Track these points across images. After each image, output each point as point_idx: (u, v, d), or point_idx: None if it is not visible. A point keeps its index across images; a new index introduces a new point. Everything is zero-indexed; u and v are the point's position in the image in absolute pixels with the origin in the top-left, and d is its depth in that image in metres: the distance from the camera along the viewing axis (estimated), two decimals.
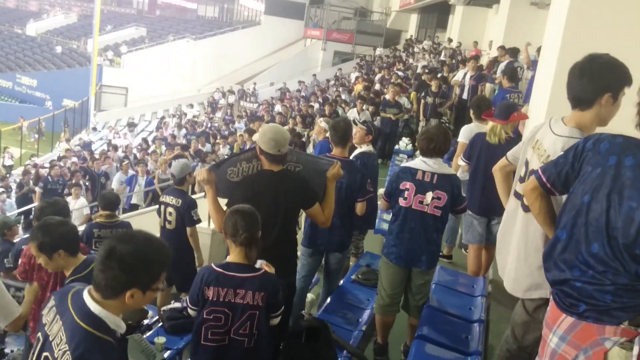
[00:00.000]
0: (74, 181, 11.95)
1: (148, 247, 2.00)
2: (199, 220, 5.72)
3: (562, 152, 2.45)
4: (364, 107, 10.85)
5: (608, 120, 2.66)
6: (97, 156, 15.46)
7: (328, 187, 3.73)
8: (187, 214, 5.60)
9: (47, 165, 15.67)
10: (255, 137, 3.68)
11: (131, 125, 25.03)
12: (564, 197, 2.38)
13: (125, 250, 1.94)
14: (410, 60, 19.69)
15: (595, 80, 2.54)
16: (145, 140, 19.77)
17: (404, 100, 11.53)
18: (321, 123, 6.78)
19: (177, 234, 5.64)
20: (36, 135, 25.66)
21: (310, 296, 4.94)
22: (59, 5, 44.81)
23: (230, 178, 3.69)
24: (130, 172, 12.66)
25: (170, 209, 5.65)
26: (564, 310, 2.22)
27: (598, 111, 2.59)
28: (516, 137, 4.93)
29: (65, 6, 44.54)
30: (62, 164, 15.25)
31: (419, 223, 3.90)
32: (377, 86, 15.35)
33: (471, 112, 5.86)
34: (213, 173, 3.62)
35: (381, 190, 4.96)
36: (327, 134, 6.07)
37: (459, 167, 5.25)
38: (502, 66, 10.06)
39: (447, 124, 10.09)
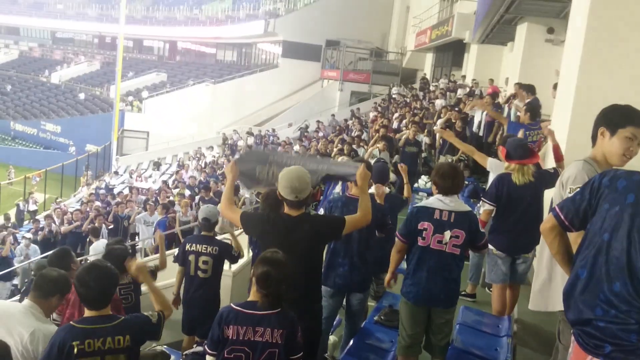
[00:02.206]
0: (96, 224, 12.12)
1: None
2: (240, 255, 5.80)
3: (569, 176, 2.99)
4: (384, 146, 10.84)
5: (613, 154, 2.86)
6: (119, 199, 15.68)
7: (360, 190, 3.73)
8: (228, 257, 5.67)
9: (72, 209, 15.95)
10: None
11: (156, 165, 25.41)
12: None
13: None
14: (427, 100, 19.77)
15: (595, 121, 2.91)
16: (165, 182, 20.01)
17: (421, 138, 11.58)
18: None
19: (209, 283, 5.55)
20: (37, 179, 25.98)
21: (332, 338, 4.89)
22: (83, 53, 46.22)
23: (258, 177, 3.83)
24: (156, 214, 12.69)
25: (204, 258, 5.48)
26: (589, 352, 2.19)
27: (600, 144, 2.92)
28: (539, 169, 4.90)
29: (88, 54, 45.92)
30: (88, 208, 15.53)
31: (437, 262, 3.87)
32: (395, 124, 15.43)
33: (499, 150, 5.76)
34: (237, 167, 3.78)
35: None
36: None
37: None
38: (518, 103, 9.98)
39: (465, 162, 10.07)
